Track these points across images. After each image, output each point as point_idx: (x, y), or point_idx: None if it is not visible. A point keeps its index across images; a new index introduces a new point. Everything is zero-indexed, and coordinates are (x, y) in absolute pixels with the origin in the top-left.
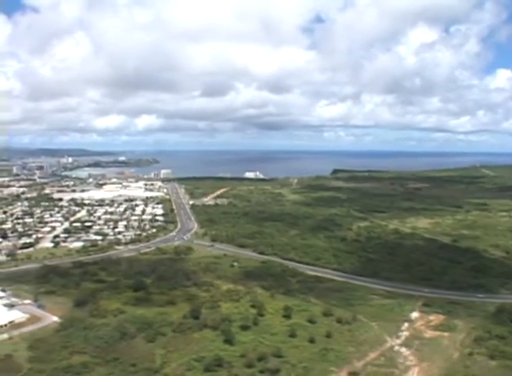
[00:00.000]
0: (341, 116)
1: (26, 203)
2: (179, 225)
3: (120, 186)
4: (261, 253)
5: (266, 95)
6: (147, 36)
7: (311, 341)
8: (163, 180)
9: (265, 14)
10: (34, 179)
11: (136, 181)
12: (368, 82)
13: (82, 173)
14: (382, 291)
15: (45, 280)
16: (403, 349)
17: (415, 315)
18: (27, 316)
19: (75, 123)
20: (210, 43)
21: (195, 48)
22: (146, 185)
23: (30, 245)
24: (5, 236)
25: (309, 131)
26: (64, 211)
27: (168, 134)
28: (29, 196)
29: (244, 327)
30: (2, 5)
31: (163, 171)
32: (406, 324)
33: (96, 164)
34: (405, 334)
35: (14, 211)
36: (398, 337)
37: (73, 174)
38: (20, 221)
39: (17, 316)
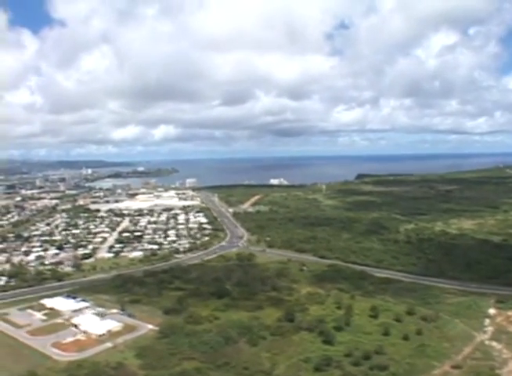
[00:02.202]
0: (358, 120)
1: (64, 214)
2: (228, 233)
3: (152, 195)
4: (322, 257)
5: (285, 102)
6: (171, 46)
7: (405, 338)
8: (192, 189)
9: (290, 22)
10: (63, 191)
11: (166, 190)
12: (387, 86)
13: (105, 184)
14: (453, 290)
15: (124, 289)
16: (494, 343)
17: (492, 311)
18: (121, 324)
19: (93, 135)
20: (234, 52)
21: (218, 57)
22: (178, 194)
23: (89, 256)
24: (61, 248)
25: (324, 136)
26: (107, 221)
27: (183, 143)
28: (64, 207)
29: (338, 328)
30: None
31: (188, 180)
32: (488, 320)
33: (117, 175)
34: (490, 329)
35: (56, 222)
36: (484, 332)
37: (97, 185)
38: (68, 232)
39: (113, 325)
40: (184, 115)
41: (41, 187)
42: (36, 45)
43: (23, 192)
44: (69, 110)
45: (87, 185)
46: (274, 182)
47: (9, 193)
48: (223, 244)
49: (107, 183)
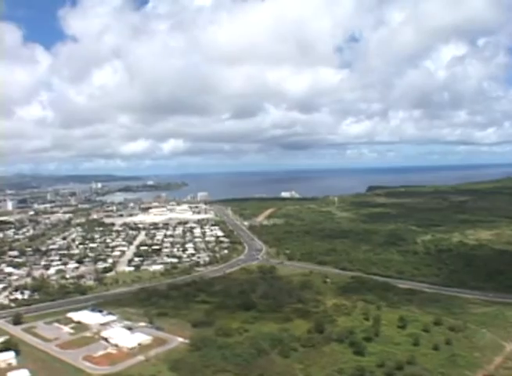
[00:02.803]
0: (366, 133)
1: (79, 228)
2: (246, 246)
3: (165, 209)
4: (343, 269)
5: (295, 115)
6: (182, 60)
7: (436, 348)
8: (205, 202)
9: (301, 35)
10: (75, 205)
11: (178, 204)
12: (396, 98)
13: (116, 198)
14: (477, 300)
15: (149, 302)
16: None
17: None
18: (151, 337)
19: (103, 149)
20: (245, 65)
21: (229, 70)
22: (191, 207)
23: (110, 269)
24: (80, 262)
25: (332, 149)
26: (123, 235)
27: (192, 157)
28: (78, 221)
29: (367, 339)
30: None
31: (199, 194)
32: None
33: (127, 189)
34: None
35: (72, 236)
36: None
37: (108, 199)
38: (85, 246)
39: (142, 338)
40: (193, 129)
41: (52, 201)
42: (48, 61)
43: (36, 206)
44: (80, 125)
45: (98, 199)
46: (285, 195)
47: (21, 208)
48: (242, 256)
49: (118, 197)
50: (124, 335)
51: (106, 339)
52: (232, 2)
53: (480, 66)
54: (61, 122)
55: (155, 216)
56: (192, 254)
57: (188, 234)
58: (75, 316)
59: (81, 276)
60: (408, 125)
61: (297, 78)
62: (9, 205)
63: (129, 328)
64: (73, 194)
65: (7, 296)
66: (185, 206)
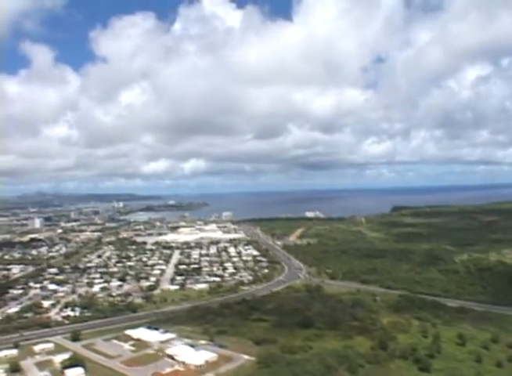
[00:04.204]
0: (387, 153)
1: (112, 247)
2: (285, 265)
3: (194, 228)
4: (388, 288)
5: (316, 136)
6: (209, 81)
7: (499, 365)
8: (232, 222)
9: (328, 56)
10: (102, 224)
11: (205, 224)
12: (419, 118)
13: (140, 217)
14: None
15: (205, 320)
16: None
17: None
18: (216, 355)
19: (124, 168)
20: (272, 86)
21: (255, 91)
22: (219, 227)
23: (154, 288)
24: (123, 280)
25: (352, 169)
26: (157, 254)
27: (212, 177)
28: (108, 240)
29: (430, 356)
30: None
31: (224, 214)
32: None
33: (149, 209)
34: None
35: (106, 254)
36: None
37: (131, 218)
38: (122, 264)
39: (208, 355)
40: (215, 149)
41: (76, 220)
42: (77, 81)
43: (63, 224)
44: (104, 144)
45: (121, 218)
46: (309, 215)
47: (48, 226)
48: (283, 275)
49: (142, 216)
50: (190, 353)
51: (171, 356)
52: (261, 23)
53: (504, 86)
54: (85, 142)
55: (186, 235)
56: (234, 274)
57: (223, 253)
58: (134, 333)
59: (127, 294)
60: (429, 145)
61: (322, 99)
62: (37, 223)
63: (191, 346)
64: (96, 213)
65: (58, 313)
66: (213, 225)
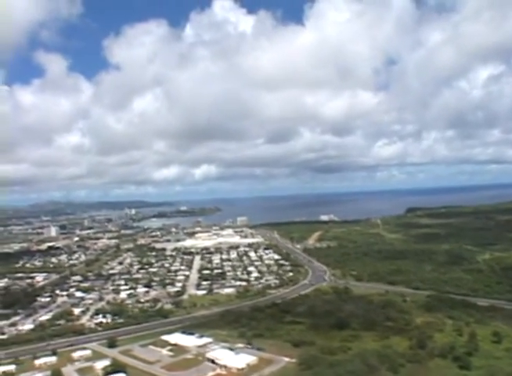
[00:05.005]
0: (398, 154)
1: (131, 254)
2: (308, 268)
3: (211, 234)
4: (416, 288)
5: (328, 139)
6: (222, 86)
7: None
8: (248, 227)
9: (340, 59)
10: (118, 231)
11: (221, 229)
12: (430, 119)
13: (154, 224)
14: None
15: (239, 324)
16: None
17: None
18: (256, 358)
19: (135, 175)
20: (284, 90)
21: (268, 95)
22: (236, 232)
23: (181, 293)
24: (149, 286)
25: (363, 171)
26: (178, 259)
27: (223, 182)
28: (127, 247)
29: (468, 354)
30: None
31: (239, 219)
32: None
33: (161, 215)
34: None
35: (127, 261)
36: None
37: (144, 225)
38: (145, 270)
39: (249, 358)
40: (227, 154)
41: (90, 227)
42: (90, 89)
43: (78, 232)
44: (115, 152)
45: (135, 225)
46: (324, 218)
47: (64, 233)
48: (309, 278)
49: (155, 223)
50: (230, 356)
51: (212, 361)
52: (273, 28)
53: None
54: (98, 149)
55: (204, 241)
56: (259, 278)
57: (244, 258)
58: (170, 338)
59: (156, 300)
60: (440, 146)
61: (334, 102)
62: (53, 231)
63: (230, 349)
64: (109, 220)
65: (90, 320)
66: (230, 230)
